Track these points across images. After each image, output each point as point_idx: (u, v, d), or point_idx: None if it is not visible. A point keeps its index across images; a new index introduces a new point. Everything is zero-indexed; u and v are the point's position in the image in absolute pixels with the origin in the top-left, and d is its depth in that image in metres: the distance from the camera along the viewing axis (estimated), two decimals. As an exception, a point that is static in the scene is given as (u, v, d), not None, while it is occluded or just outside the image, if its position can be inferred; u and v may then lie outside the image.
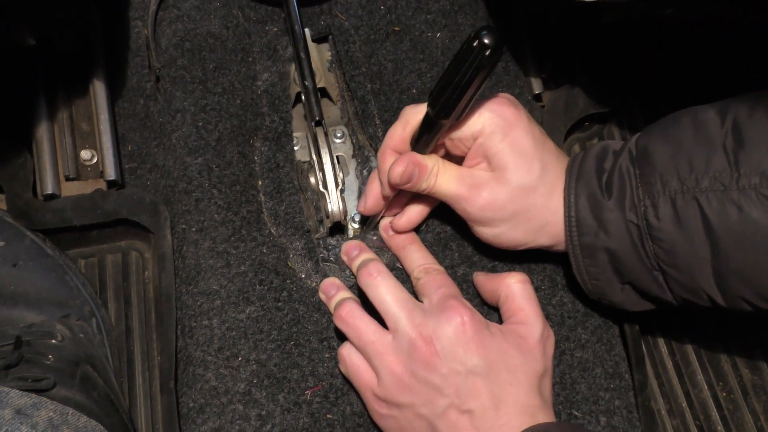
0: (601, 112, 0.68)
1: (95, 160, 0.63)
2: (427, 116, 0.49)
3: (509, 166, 0.49)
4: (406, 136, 0.52)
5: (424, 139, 0.50)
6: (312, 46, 0.64)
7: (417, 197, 0.56)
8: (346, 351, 0.50)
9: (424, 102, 0.49)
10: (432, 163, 0.51)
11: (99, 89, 0.63)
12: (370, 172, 0.60)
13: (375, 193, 0.55)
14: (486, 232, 0.52)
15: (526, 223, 0.51)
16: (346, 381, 0.52)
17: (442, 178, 0.51)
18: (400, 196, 0.56)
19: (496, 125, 0.49)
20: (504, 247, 0.54)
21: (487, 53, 0.42)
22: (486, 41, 0.42)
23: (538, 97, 0.69)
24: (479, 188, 0.50)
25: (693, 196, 0.45)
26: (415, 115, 0.51)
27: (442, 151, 0.53)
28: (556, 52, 0.70)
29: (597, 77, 0.68)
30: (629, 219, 0.47)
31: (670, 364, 0.63)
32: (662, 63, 0.71)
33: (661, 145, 0.48)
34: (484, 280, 0.55)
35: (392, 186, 0.52)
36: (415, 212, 0.56)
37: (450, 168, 0.52)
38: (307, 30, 0.64)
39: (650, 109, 0.71)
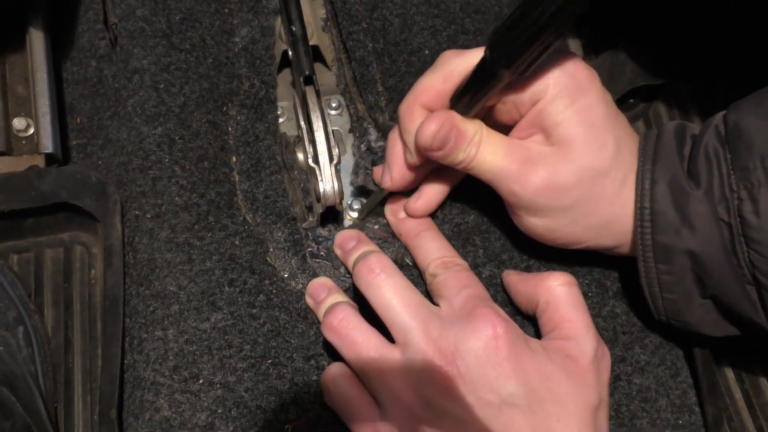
0: (653, 84, 0.60)
1: (31, 131, 0.55)
2: (482, 63, 0.39)
3: (576, 140, 0.41)
4: (446, 91, 0.42)
5: (471, 96, 0.40)
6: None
7: (437, 172, 0.47)
8: (335, 374, 0.43)
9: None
10: (474, 128, 0.42)
11: (37, 43, 0.55)
12: (368, 148, 0.52)
13: (401, 160, 0.45)
14: (536, 224, 0.44)
15: (589, 216, 0.43)
16: (339, 412, 0.45)
17: (487, 149, 0.42)
18: (420, 168, 0.46)
19: (564, 87, 0.41)
20: (554, 245, 0.45)
21: None
22: None
23: (575, 66, 0.61)
24: (535, 164, 0.41)
25: None
26: (460, 64, 0.42)
27: (482, 116, 0.44)
28: (596, 11, 0.62)
29: (646, 42, 0.60)
30: (720, 216, 0.39)
31: (738, 394, 0.56)
32: (721, 28, 0.62)
33: (758, 120, 0.40)
34: (517, 282, 0.46)
35: (420, 151, 0.43)
36: (434, 192, 0.48)
37: (496, 137, 0.43)
38: (297, -22, 0.55)
39: (702, 87, 0.64)
